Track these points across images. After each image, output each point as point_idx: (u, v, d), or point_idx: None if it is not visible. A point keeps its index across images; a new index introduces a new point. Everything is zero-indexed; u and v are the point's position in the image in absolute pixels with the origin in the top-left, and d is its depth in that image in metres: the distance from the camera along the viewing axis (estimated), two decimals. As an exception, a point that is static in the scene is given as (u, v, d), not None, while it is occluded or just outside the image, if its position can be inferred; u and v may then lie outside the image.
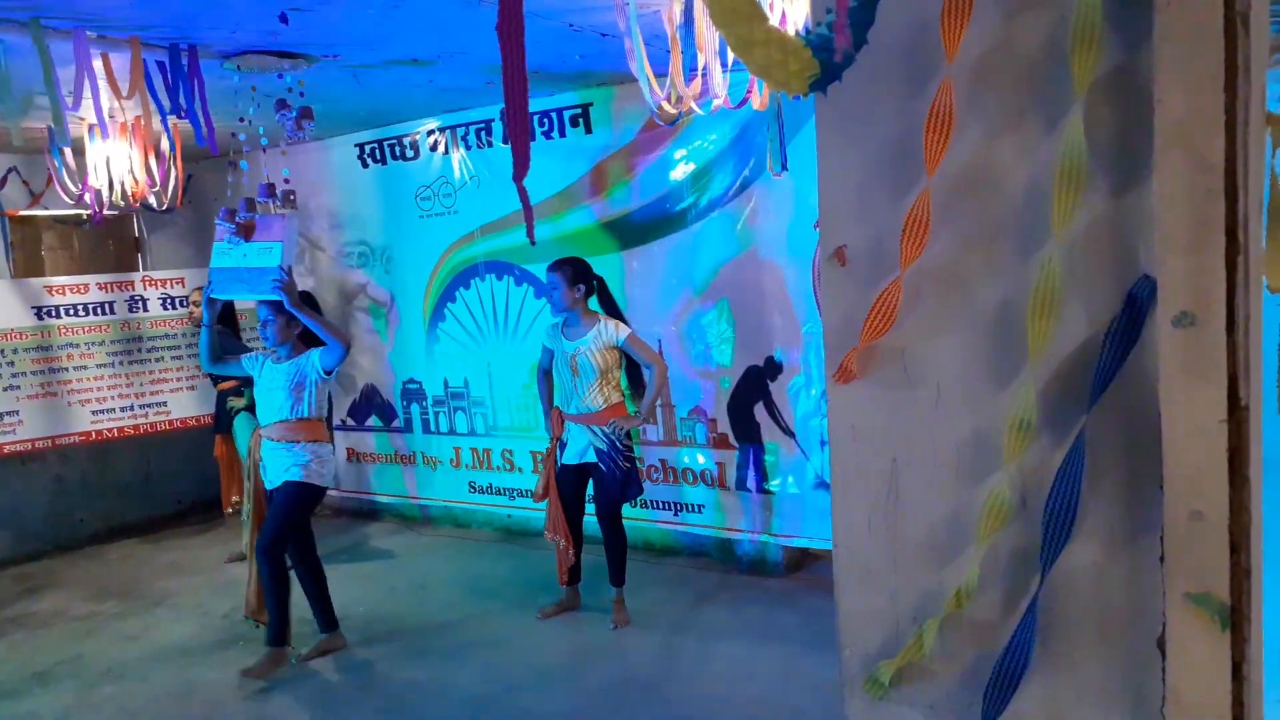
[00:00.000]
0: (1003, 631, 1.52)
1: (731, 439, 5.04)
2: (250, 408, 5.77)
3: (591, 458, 4.44)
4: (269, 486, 4.24)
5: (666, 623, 4.53)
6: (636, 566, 4.86)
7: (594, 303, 4.48)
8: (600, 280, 4.51)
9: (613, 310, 4.54)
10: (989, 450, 1.50)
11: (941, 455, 1.56)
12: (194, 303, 5.91)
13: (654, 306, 5.15)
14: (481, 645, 4.42)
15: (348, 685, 4.11)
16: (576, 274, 4.39)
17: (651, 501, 5.35)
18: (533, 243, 2.04)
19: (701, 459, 5.16)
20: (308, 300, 4.22)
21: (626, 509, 5.18)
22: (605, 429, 4.39)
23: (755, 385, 4.92)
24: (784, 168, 4.20)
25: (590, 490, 4.57)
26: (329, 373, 4.15)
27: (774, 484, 4.92)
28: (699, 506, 5.21)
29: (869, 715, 1.69)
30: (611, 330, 4.38)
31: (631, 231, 5.20)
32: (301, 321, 4.04)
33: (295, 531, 4.22)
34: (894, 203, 1.52)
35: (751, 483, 5.00)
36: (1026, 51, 1.39)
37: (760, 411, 4.92)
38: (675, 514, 5.30)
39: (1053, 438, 1.44)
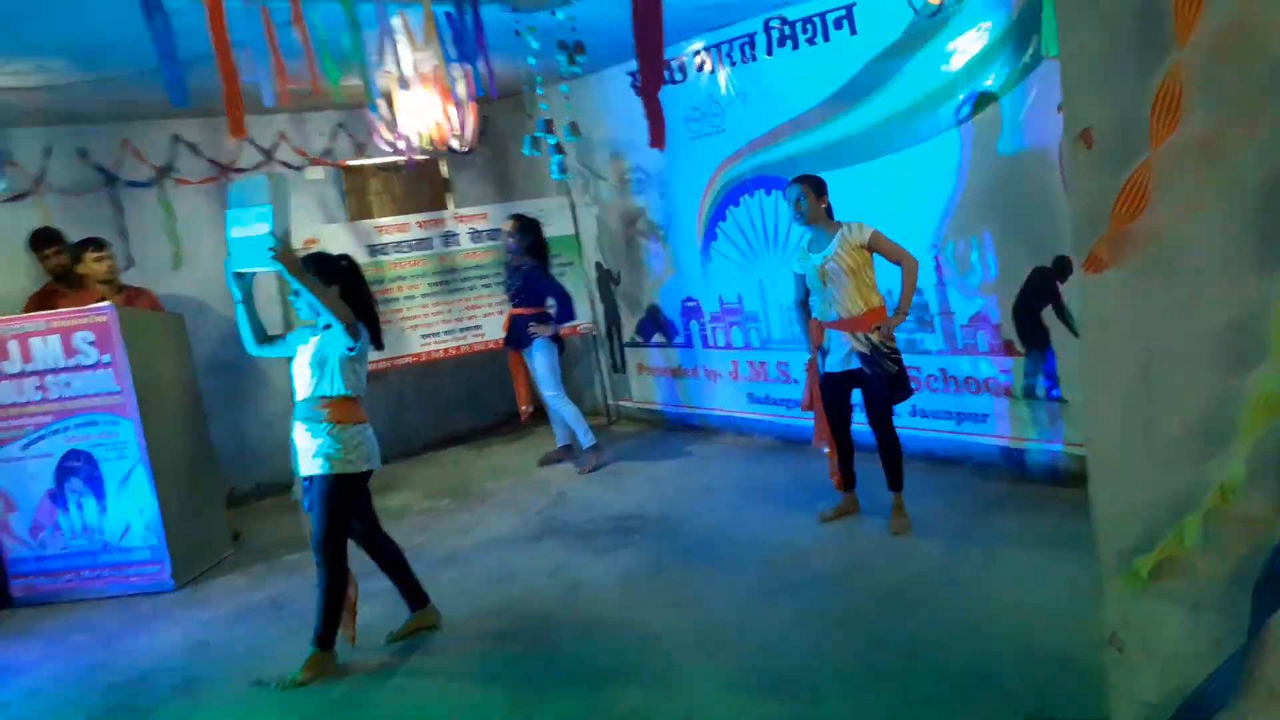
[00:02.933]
0: (1275, 528, 1.44)
1: (1017, 345, 4.82)
2: (555, 336, 6.21)
3: (856, 364, 4.44)
4: (297, 473, 3.86)
5: (949, 530, 4.48)
6: (917, 476, 4.82)
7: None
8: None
9: None
10: (1255, 338, 1.40)
11: (1201, 344, 1.48)
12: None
13: (930, 208, 4.98)
14: (764, 546, 4.61)
15: (641, 576, 4.46)
16: (817, 184, 4.44)
17: (932, 411, 5.25)
18: (661, 148, 2.04)
19: (985, 367, 4.98)
20: (327, 268, 3.77)
21: (906, 419, 5.13)
22: (868, 335, 4.37)
23: (1043, 287, 4.65)
24: (1066, 49, 3.88)
25: (858, 397, 4.58)
26: (351, 350, 3.70)
27: (1067, 391, 4.66)
28: (983, 415, 5.05)
29: (1129, 609, 1.67)
30: (856, 230, 4.36)
31: (903, 133, 5.02)
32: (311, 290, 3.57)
33: (339, 527, 3.84)
34: (1142, 77, 1.43)
35: (1041, 390, 4.77)
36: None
37: (1049, 315, 4.65)
38: (958, 424, 5.17)
39: (1329, 320, 1.33)
